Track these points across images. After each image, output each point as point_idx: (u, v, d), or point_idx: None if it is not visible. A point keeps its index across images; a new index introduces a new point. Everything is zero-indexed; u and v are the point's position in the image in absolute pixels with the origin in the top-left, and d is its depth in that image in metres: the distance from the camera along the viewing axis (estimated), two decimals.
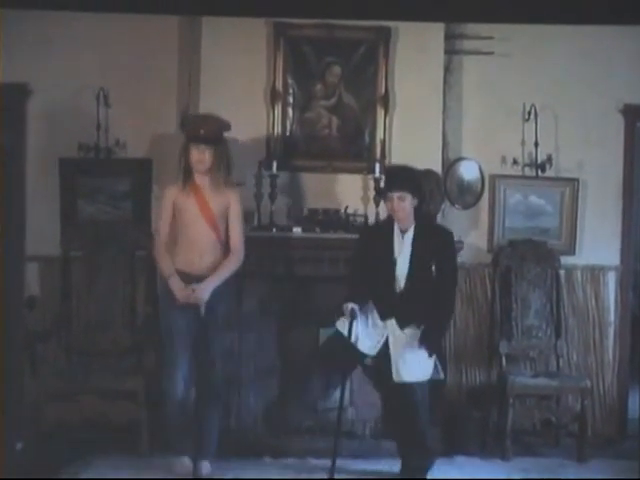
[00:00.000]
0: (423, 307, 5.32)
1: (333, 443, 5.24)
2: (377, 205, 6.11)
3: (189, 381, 5.42)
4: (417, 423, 5.36)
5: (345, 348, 5.34)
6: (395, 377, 5.31)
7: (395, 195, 5.32)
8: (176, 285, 5.32)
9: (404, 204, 5.32)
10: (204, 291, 5.29)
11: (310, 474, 5.51)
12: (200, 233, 5.38)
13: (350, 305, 5.29)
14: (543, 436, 6.30)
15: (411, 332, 5.33)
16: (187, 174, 5.43)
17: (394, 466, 5.58)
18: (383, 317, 5.38)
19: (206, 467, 5.44)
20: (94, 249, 6.27)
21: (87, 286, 6.25)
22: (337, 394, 5.43)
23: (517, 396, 6.03)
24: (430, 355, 5.28)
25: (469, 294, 6.58)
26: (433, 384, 5.44)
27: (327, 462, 5.26)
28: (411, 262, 5.35)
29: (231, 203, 5.44)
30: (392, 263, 5.37)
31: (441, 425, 6.07)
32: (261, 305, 6.11)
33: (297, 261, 6.08)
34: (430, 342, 5.27)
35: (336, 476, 5.22)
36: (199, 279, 5.33)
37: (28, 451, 5.76)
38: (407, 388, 5.30)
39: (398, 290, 5.38)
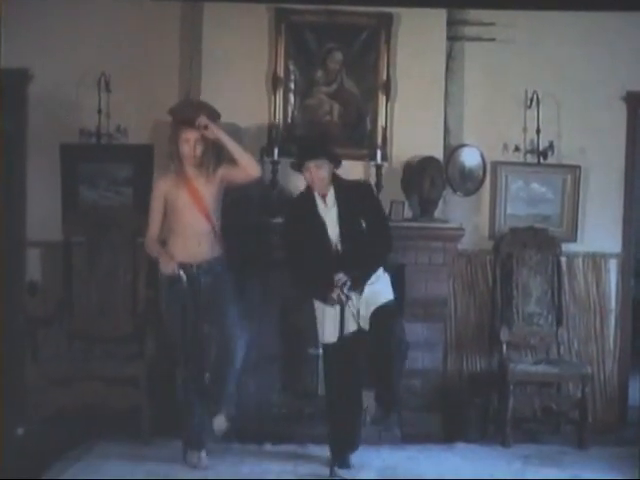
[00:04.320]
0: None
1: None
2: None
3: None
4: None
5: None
6: (373, 305, 5.20)
7: (312, 164, 5.25)
8: (165, 260, 5.24)
9: (322, 172, 5.24)
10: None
11: (310, 461, 5.51)
12: (195, 220, 5.30)
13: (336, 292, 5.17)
14: (544, 423, 6.30)
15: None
16: (179, 165, 5.35)
17: (394, 453, 5.63)
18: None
19: (220, 422, 5.33)
20: (95, 235, 6.28)
21: (88, 271, 6.27)
22: None
23: (518, 383, 6.04)
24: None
25: (470, 281, 6.58)
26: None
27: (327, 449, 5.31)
28: (340, 223, 5.26)
29: (221, 168, 5.35)
30: (322, 229, 5.27)
31: (442, 412, 6.09)
32: (261, 292, 6.10)
33: None
34: (358, 287, 5.20)
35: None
36: (200, 266, 5.31)
37: (29, 436, 5.78)
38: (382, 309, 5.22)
39: (336, 253, 5.26)
